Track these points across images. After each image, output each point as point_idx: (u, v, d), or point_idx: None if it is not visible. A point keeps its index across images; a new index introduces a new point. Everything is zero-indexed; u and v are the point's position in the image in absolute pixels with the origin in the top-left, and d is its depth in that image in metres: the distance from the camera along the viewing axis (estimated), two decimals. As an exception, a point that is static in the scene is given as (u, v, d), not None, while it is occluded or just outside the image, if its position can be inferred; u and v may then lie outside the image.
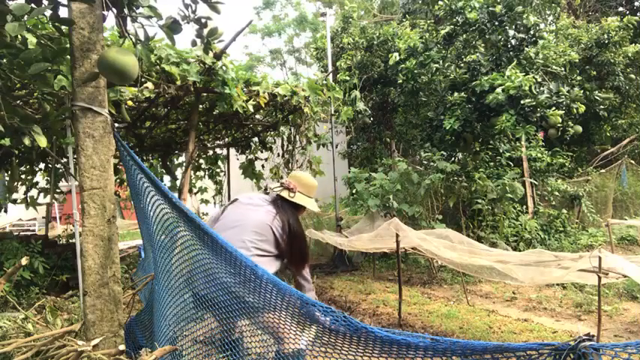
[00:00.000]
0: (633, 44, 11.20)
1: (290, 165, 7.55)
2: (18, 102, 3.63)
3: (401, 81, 9.90)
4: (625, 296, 6.04)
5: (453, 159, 9.59)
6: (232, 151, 8.84)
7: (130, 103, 4.73)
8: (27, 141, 2.65)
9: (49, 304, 3.69)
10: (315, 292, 3.25)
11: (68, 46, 2.50)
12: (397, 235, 5.31)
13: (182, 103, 5.90)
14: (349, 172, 9.63)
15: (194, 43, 2.98)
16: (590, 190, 11.09)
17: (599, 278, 3.80)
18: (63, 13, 2.42)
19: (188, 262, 2.39)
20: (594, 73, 11.15)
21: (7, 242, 6.23)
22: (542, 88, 8.28)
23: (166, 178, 8.54)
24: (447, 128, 8.34)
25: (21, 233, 9.52)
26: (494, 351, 1.37)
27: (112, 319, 2.50)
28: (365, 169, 10.49)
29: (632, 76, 11.28)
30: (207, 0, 2.64)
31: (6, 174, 5.96)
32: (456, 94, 8.56)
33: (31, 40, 2.87)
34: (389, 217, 7.45)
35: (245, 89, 5.40)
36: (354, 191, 9.00)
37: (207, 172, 9.11)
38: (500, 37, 8.60)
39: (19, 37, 2.51)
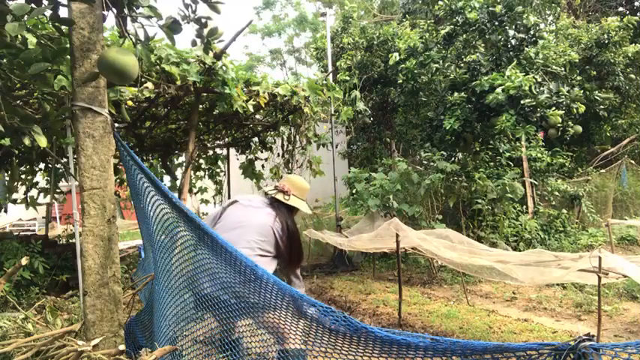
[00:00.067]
0: (633, 44, 11.20)
1: (290, 165, 7.55)
2: (18, 102, 3.63)
3: (401, 81, 9.90)
4: (625, 296, 6.04)
5: (453, 159, 9.59)
6: (232, 151, 8.84)
7: (130, 103, 4.73)
8: (27, 141, 2.64)
9: (49, 304, 3.69)
10: (304, 289, 3.34)
11: (68, 46, 2.50)
12: (397, 235, 5.31)
13: (182, 103, 5.90)
14: (349, 172, 9.63)
15: (194, 43, 2.98)
16: (590, 190, 11.09)
17: (599, 278, 3.80)
18: (63, 13, 2.42)
19: (188, 262, 2.39)
20: (594, 73, 11.15)
21: (7, 242, 6.23)
22: (542, 88, 8.28)
23: (166, 178, 8.54)
24: (447, 128, 8.34)
25: (21, 233, 9.52)
26: (494, 351, 1.37)
27: (112, 319, 2.50)
28: (365, 169, 10.49)
29: (632, 76, 11.28)
30: (207, 0, 2.64)
31: (6, 174, 5.96)
32: (456, 94, 8.56)
33: (31, 40, 2.87)
34: (389, 217, 7.45)
35: (245, 89, 5.40)
36: (354, 191, 9.00)
37: (207, 172, 9.11)
38: (500, 37, 8.60)
39: (19, 37, 2.51)
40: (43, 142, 2.57)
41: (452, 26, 9.01)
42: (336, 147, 10.52)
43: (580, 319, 5.33)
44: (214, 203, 9.17)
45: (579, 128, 10.00)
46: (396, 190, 8.06)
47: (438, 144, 9.42)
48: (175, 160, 8.91)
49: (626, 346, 1.26)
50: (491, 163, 9.48)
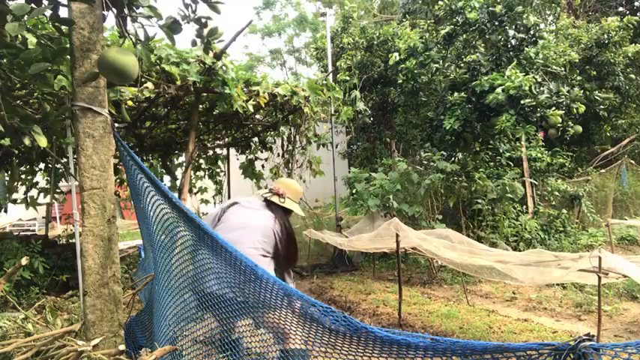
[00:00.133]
0: (633, 44, 11.20)
1: (290, 165, 7.55)
2: (18, 102, 3.63)
3: (401, 81, 9.90)
4: (625, 296, 6.03)
5: (453, 159, 9.59)
6: (232, 151, 8.84)
7: (130, 103, 4.73)
8: (27, 141, 2.64)
9: (49, 304, 3.69)
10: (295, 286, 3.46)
11: (68, 46, 2.50)
12: (397, 235, 5.31)
13: (182, 103, 5.90)
14: (349, 172, 9.63)
15: (194, 43, 2.98)
16: (590, 190, 11.09)
17: (599, 278, 3.80)
18: (63, 13, 2.42)
19: (188, 262, 2.39)
20: (594, 73, 11.15)
21: (7, 242, 6.23)
22: (542, 88, 8.28)
23: (166, 178, 8.54)
24: (447, 128, 8.34)
25: (21, 233, 9.51)
26: (494, 351, 1.37)
27: (112, 319, 2.50)
28: (365, 169, 10.49)
29: (632, 76, 11.27)
30: (207, 0, 2.64)
31: (6, 174, 5.96)
32: (456, 94, 8.55)
33: (31, 40, 2.87)
34: (389, 217, 7.45)
35: (245, 89, 5.40)
36: (354, 191, 9.00)
37: (207, 172, 9.11)
38: (500, 37, 8.60)
39: (19, 37, 2.51)
40: (43, 142, 2.57)
41: (452, 26, 9.01)
42: (336, 147, 10.52)
43: (580, 319, 5.33)
44: (214, 203, 9.17)
45: (579, 128, 10.00)
46: (396, 190, 8.06)
47: (438, 144, 9.42)
48: (175, 160, 8.91)
49: (626, 346, 1.26)
50: (491, 163, 9.48)
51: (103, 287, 2.47)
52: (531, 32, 8.74)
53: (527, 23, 8.61)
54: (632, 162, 12.98)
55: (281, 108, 6.74)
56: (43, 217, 10.55)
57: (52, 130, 3.45)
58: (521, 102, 7.73)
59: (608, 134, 12.44)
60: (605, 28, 10.89)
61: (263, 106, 5.64)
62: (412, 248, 5.85)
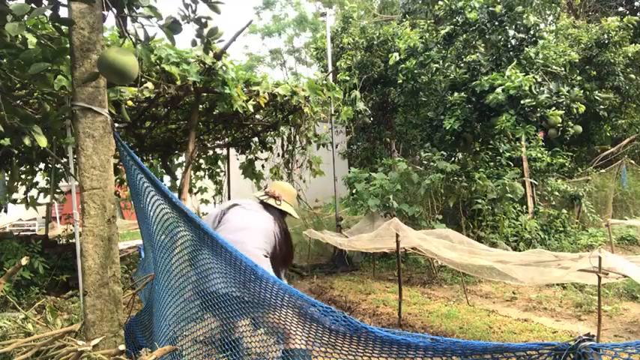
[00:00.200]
0: (633, 44, 11.19)
1: (290, 165, 7.55)
2: (18, 102, 3.63)
3: (401, 81, 9.90)
4: (625, 296, 6.03)
5: (453, 159, 9.59)
6: (232, 151, 8.84)
7: (130, 103, 4.73)
8: (27, 141, 2.65)
9: (49, 304, 3.69)
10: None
11: (68, 46, 2.50)
12: (397, 235, 5.31)
13: (182, 103, 5.90)
14: (349, 172, 9.63)
15: (194, 43, 2.98)
16: (590, 190, 11.09)
17: (599, 278, 3.80)
18: (63, 13, 2.42)
19: (188, 262, 2.39)
20: (594, 73, 11.14)
21: (7, 242, 6.23)
22: (542, 88, 8.27)
23: (166, 178, 8.54)
24: (447, 128, 8.34)
25: (21, 233, 9.51)
26: (494, 351, 1.37)
27: (112, 319, 2.50)
28: (365, 169, 10.49)
29: (632, 76, 11.27)
30: (207, 0, 2.64)
31: (6, 174, 5.96)
32: (456, 94, 8.55)
33: (31, 40, 2.87)
34: (389, 217, 7.45)
35: (245, 89, 5.40)
36: (354, 191, 9.00)
37: (207, 172, 9.11)
38: (500, 37, 8.60)
39: (19, 37, 2.51)
40: (43, 142, 2.57)
41: (452, 26, 9.01)
42: (336, 147, 10.52)
43: (580, 319, 5.33)
44: (214, 203, 9.17)
45: (579, 128, 9.99)
46: (396, 190, 8.06)
47: (438, 144, 9.42)
48: (175, 160, 8.91)
49: (626, 346, 1.26)
50: (491, 163, 9.48)
51: (103, 287, 2.47)
52: (531, 32, 8.74)
53: (527, 23, 8.61)
54: (632, 162, 12.98)
55: (281, 108, 6.74)
56: (43, 217, 10.55)
57: (52, 130, 3.45)
58: (521, 102, 7.73)
59: (608, 134, 12.44)
60: (605, 28, 10.89)
61: (263, 106, 5.64)
62: (412, 248, 5.85)
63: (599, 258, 3.75)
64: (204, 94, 5.42)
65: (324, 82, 6.63)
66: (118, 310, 2.53)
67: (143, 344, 3.14)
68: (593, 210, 10.47)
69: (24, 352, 2.58)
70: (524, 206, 9.26)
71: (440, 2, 9.03)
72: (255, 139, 8.11)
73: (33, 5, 2.25)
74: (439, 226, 7.60)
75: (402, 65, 9.54)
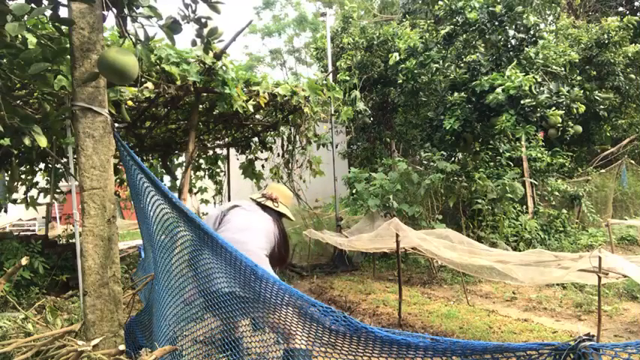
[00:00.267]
0: (633, 44, 11.19)
1: (290, 165, 7.55)
2: (18, 102, 3.63)
3: (401, 81, 9.90)
4: (625, 296, 6.03)
5: (453, 159, 9.59)
6: (232, 151, 8.84)
7: (130, 103, 4.73)
8: (27, 141, 2.65)
9: (49, 304, 3.69)
10: None
11: (68, 46, 2.50)
12: (397, 235, 5.31)
13: (182, 103, 5.90)
14: (349, 172, 9.63)
15: (194, 43, 2.98)
16: (590, 190, 11.09)
17: (599, 278, 3.80)
18: (63, 13, 2.42)
19: (188, 262, 2.40)
20: (594, 73, 11.14)
21: (7, 242, 6.23)
22: (542, 88, 8.27)
23: (166, 178, 8.54)
24: (447, 128, 8.34)
25: (21, 233, 9.51)
26: (494, 351, 1.37)
27: (112, 319, 2.50)
28: (365, 169, 10.48)
29: (632, 76, 11.27)
30: (207, 0, 2.64)
31: (6, 174, 5.96)
32: (456, 94, 8.55)
33: (31, 40, 2.87)
34: (389, 217, 7.45)
35: (245, 89, 5.40)
36: (354, 191, 9.00)
37: (207, 172, 9.11)
38: (500, 37, 8.60)
39: (19, 37, 2.51)
40: (43, 142, 2.57)
41: (452, 26, 9.01)
42: (336, 147, 10.52)
43: (580, 319, 5.33)
44: (214, 203, 9.17)
45: (579, 128, 9.99)
46: (396, 190, 8.06)
47: (438, 144, 9.42)
48: (175, 160, 8.91)
49: (626, 346, 1.26)
50: (491, 163, 9.47)
51: (103, 287, 2.47)
52: (531, 32, 8.74)
53: (527, 23, 8.61)
54: (632, 162, 12.98)
55: (281, 108, 6.73)
56: (43, 217, 10.55)
57: (52, 130, 3.45)
58: (521, 102, 7.73)
59: (608, 134, 12.43)
60: (605, 28, 10.88)
61: (263, 106, 5.64)
62: (412, 248, 5.84)
63: (599, 258, 3.75)
64: (204, 94, 5.42)
65: (324, 82, 6.63)
66: (118, 310, 2.53)
67: (143, 344, 3.14)
68: (593, 210, 10.47)
69: (24, 352, 2.58)
70: (524, 206, 9.26)
71: (440, 2, 9.03)
72: (255, 139, 8.11)
73: (33, 5, 2.25)
74: (439, 226, 7.60)
75: (402, 65, 9.54)
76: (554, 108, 8.14)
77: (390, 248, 6.07)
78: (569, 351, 1.29)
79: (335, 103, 7.89)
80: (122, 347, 2.41)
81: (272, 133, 7.81)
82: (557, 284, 6.48)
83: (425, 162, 9.89)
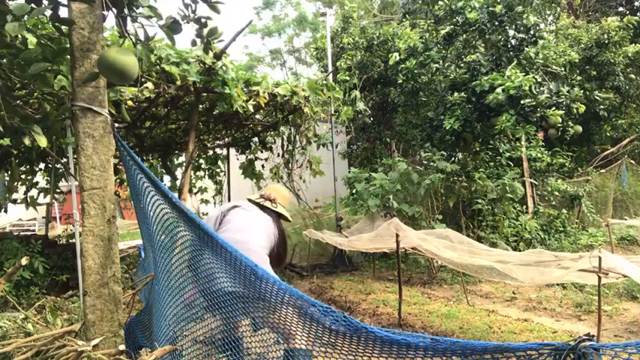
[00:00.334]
0: (633, 44, 11.19)
1: (290, 165, 7.55)
2: (18, 102, 3.63)
3: (401, 81, 9.90)
4: (625, 296, 6.03)
5: (453, 159, 9.59)
6: (232, 151, 8.84)
7: (130, 103, 4.73)
8: (27, 141, 2.65)
9: (49, 304, 3.69)
10: None
11: (68, 46, 2.50)
12: (397, 235, 5.31)
13: (182, 103, 5.90)
14: (349, 172, 9.63)
15: (194, 43, 2.98)
16: (590, 190, 11.09)
17: (599, 278, 3.80)
18: (63, 13, 2.42)
19: (188, 262, 2.40)
20: (594, 73, 11.14)
21: (7, 242, 6.23)
22: (542, 88, 8.27)
23: (166, 178, 8.54)
24: (447, 128, 8.34)
25: (21, 233, 9.51)
26: (494, 351, 1.37)
27: (112, 319, 2.50)
28: (365, 169, 10.48)
29: (632, 76, 11.26)
30: (207, 0, 2.64)
31: (6, 174, 5.96)
32: (456, 94, 8.55)
33: (31, 40, 2.87)
34: (389, 217, 7.45)
35: (245, 89, 5.40)
36: (354, 191, 9.00)
37: (207, 172, 9.11)
38: (500, 37, 8.59)
39: (19, 37, 2.51)
40: (43, 142, 2.57)
41: (452, 26, 9.00)
42: (336, 147, 10.52)
43: (580, 319, 5.33)
44: (214, 203, 9.17)
45: (579, 128, 9.99)
46: (396, 190, 8.06)
47: (438, 144, 9.42)
48: (175, 160, 8.91)
49: (626, 346, 1.26)
50: (491, 163, 9.47)
51: (103, 287, 2.47)
52: (531, 32, 8.74)
53: (527, 23, 8.61)
54: (632, 162, 12.98)
55: (281, 108, 6.73)
56: (43, 217, 10.55)
57: (52, 130, 3.45)
58: (521, 102, 7.73)
59: (608, 134, 12.43)
60: (605, 28, 10.88)
61: (263, 106, 5.64)
62: (412, 248, 5.84)
63: (599, 258, 3.75)
64: (204, 94, 5.42)
65: (324, 82, 6.63)
66: (118, 310, 2.53)
67: (143, 344, 3.14)
68: (593, 210, 10.47)
69: (24, 352, 2.58)
70: (524, 206, 9.26)
71: (440, 2, 9.03)
72: (255, 139, 8.11)
73: (33, 5, 2.25)
74: (439, 226, 7.60)
75: (402, 65, 9.54)
76: (554, 108, 8.14)
77: (390, 248, 6.07)
78: (569, 351, 1.29)
79: (335, 103, 7.89)
80: (122, 347, 2.41)
81: (272, 133, 7.81)
82: (557, 284, 6.48)
83: (425, 162, 9.88)
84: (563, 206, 9.99)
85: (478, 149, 9.38)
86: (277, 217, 3.30)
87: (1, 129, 2.49)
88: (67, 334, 2.70)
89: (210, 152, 9.08)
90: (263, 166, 8.02)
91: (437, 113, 9.20)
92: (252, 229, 3.04)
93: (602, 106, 10.67)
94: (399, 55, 9.70)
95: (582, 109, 8.53)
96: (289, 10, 29.49)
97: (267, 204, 3.28)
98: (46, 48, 2.49)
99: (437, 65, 9.02)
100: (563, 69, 9.22)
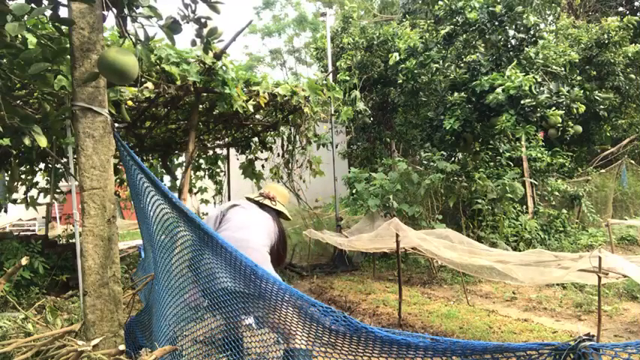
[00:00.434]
0: (633, 44, 11.19)
1: (290, 165, 7.55)
2: (18, 102, 3.63)
3: (401, 81, 9.90)
4: (625, 296, 6.03)
5: (453, 159, 9.59)
6: (232, 151, 8.84)
7: (130, 103, 4.73)
8: (27, 141, 2.64)
9: (49, 304, 3.69)
10: None
11: (68, 46, 2.50)
12: (397, 235, 5.31)
13: (182, 103, 5.90)
14: (349, 172, 9.63)
15: (194, 43, 2.98)
16: (590, 190, 11.09)
17: (599, 278, 3.80)
18: (63, 13, 2.42)
19: (188, 262, 2.40)
20: (594, 73, 11.14)
21: (7, 242, 6.23)
22: (542, 88, 8.27)
23: (166, 178, 8.54)
24: (447, 128, 8.33)
25: (21, 233, 9.51)
26: (494, 351, 1.37)
27: (112, 319, 2.50)
28: (365, 169, 10.48)
29: (632, 76, 11.26)
30: (207, 0, 2.64)
31: (6, 174, 5.96)
32: (456, 94, 8.55)
33: (31, 40, 2.87)
34: (389, 217, 7.45)
35: (245, 89, 5.40)
36: (354, 191, 9.00)
37: (207, 172, 9.11)
38: (500, 37, 8.59)
39: (19, 37, 2.51)
40: (43, 142, 2.57)
41: (452, 26, 9.00)
42: (336, 147, 10.51)
43: (580, 319, 5.33)
44: (214, 203, 9.17)
45: (579, 128, 9.99)
46: (396, 190, 8.06)
47: (438, 144, 9.42)
48: (175, 160, 8.91)
49: (626, 346, 1.26)
50: (491, 163, 9.47)
51: (103, 287, 2.47)
52: (531, 32, 8.73)
53: (527, 23, 8.60)
54: (632, 162, 12.98)
55: (281, 108, 6.73)
56: (43, 217, 10.55)
57: (52, 130, 3.45)
58: (521, 102, 7.73)
59: (608, 134, 12.43)
60: (605, 28, 10.88)
61: (263, 106, 5.64)
62: (412, 248, 5.84)
63: (599, 258, 3.75)
64: (204, 94, 5.42)
65: (324, 82, 6.63)
66: (118, 310, 2.53)
67: (143, 344, 3.14)
68: (593, 210, 10.47)
69: (24, 352, 2.58)
70: (524, 206, 9.26)
71: (440, 2, 9.02)
72: (255, 139, 8.11)
73: (33, 5, 2.25)
74: (439, 226, 7.60)
75: (402, 65, 9.54)
76: (554, 108, 8.14)
77: (390, 248, 6.07)
78: (569, 351, 1.29)
79: (335, 103, 7.89)
80: (122, 347, 2.41)
81: (272, 133, 7.81)
82: (557, 284, 6.48)
83: (425, 162, 9.88)
84: (563, 206, 9.99)
85: (478, 149, 9.38)
86: (277, 215, 3.31)
87: (1, 129, 2.49)
88: (67, 334, 2.70)
89: (210, 152, 9.08)
90: (263, 166, 8.02)
91: (437, 113, 9.20)
92: (253, 227, 3.04)
93: (602, 106, 10.66)
94: (399, 55, 9.70)
95: (582, 109, 8.53)
96: (289, 10, 29.51)
97: (267, 202, 3.29)
98: (46, 48, 2.49)
99: (437, 65, 9.02)
100: (563, 69, 9.22)
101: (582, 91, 9.21)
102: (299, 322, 1.90)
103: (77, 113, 2.44)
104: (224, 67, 4.95)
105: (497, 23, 8.59)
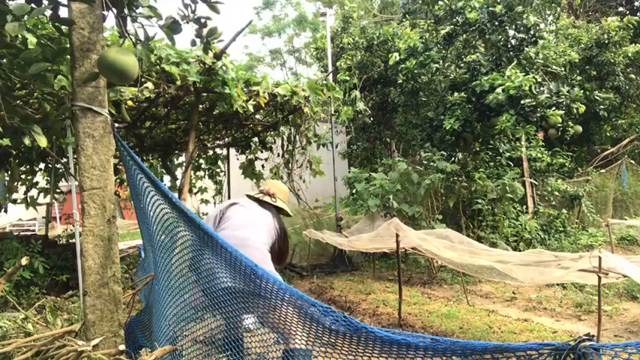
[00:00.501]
0: (633, 44, 11.19)
1: (290, 165, 7.55)
2: (18, 102, 3.63)
3: (401, 81, 9.90)
4: (625, 296, 6.03)
5: (453, 159, 9.59)
6: (232, 151, 8.84)
7: (130, 103, 4.73)
8: (27, 141, 2.65)
9: (49, 304, 3.69)
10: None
11: (68, 46, 2.50)
12: (397, 235, 5.31)
13: (182, 103, 5.90)
14: (349, 172, 9.63)
15: (194, 43, 2.98)
16: (590, 190, 11.09)
17: (599, 278, 3.80)
18: (63, 13, 2.42)
19: (188, 262, 2.40)
20: (594, 73, 11.14)
21: (7, 242, 6.23)
22: (542, 88, 8.27)
23: (166, 178, 8.54)
24: (447, 128, 8.33)
25: (21, 233, 9.51)
26: (494, 351, 1.37)
27: (112, 319, 2.50)
28: (365, 169, 10.48)
29: (632, 76, 11.26)
30: (207, 0, 2.64)
31: (6, 174, 5.96)
32: (456, 94, 8.55)
33: (31, 40, 2.87)
34: (389, 217, 7.45)
35: (245, 89, 5.40)
36: (354, 191, 9.00)
37: (207, 172, 9.11)
38: (500, 37, 8.59)
39: (19, 37, 2.51)
40: (43, 142, 2.57)
41: (452, 26, 9.00)
42: (336, 147, 10.51)
43: (580, 319, 5.33)
44: (214, 203, 9.18)
45: (579, 128, 9.99)
46: (396, 190, 8.06)
47: (438, 144, 9.42)
48: (175, 160, 8.91)
49: (626, 346, 1.26)
50: (491, 163, 9.47)
51: (103, 287, 2.47)
52: (531, 32, 8.73)
53: (527, 23, 8.60)
54: (632, 162, 12.98)
55: (281, 108, 6.74)
56: (43, 217, 10.55)
57: (52, 130, 3.45)
58: (521, 102, 7.73)
59: (608, 134, 12.43)
60: (605, 28, 10.88)
61: (263, 106, 5.64)
62: (412, 248, 5.84)
63: (599, 258, 3.75)
64: (204, 94, 5.42)
65: (324, 82, 6.63)
66: (118, 310, 2.53)
67: (143, 344, 3.14)
68: (593, 210, 10.47)
69: (24, 352, 2.58)
70: (524, 206, 9.26)
71: (440, 2, 9.02)
72: (255, 139, 8.11)
73: (33, 5, 2.25)
74: (439, 226, 7.60)
75: (402, 65, 9.54)
76: (554, 108, 8.13)
77: (390, 248, 6.07)
78: (569, 351, 1.29)
79: (335, 103, 7.89)
80: (122, 347, 2.41)
81: (272, 133, 7.81)
82: (557, 284, 6.48)
83: (425, 162, 9.88)
84: (563, 206, 9.99)
85: (478, 149, 9.38)
86: (277, 212, 3.29)
87: (1, 129, 2.49)
88: (67, 334, 2.70)
89: (210, 152, 9.08)
90: (263, 166, 8.03)
91: (437, 113, 9.20)
92: (253, 225, 3.03)
93: (602, 106, 10.66)
94: (399, 55, 9.70)
95: (582, 109, 8.53)
96: (289, 10, 29.50)
97: (267, 199, 3.28)
98: (46, 48, 2.49)
99: (437, 65, 9.02)
100: (563, 69, 9.22)
101: (582, 91, 9.21)
102: (299, 322, 1.90)
103: (77, 113, 2.44)
104: (224, 67, 4.95)
105: (497, 23, 8.59)
